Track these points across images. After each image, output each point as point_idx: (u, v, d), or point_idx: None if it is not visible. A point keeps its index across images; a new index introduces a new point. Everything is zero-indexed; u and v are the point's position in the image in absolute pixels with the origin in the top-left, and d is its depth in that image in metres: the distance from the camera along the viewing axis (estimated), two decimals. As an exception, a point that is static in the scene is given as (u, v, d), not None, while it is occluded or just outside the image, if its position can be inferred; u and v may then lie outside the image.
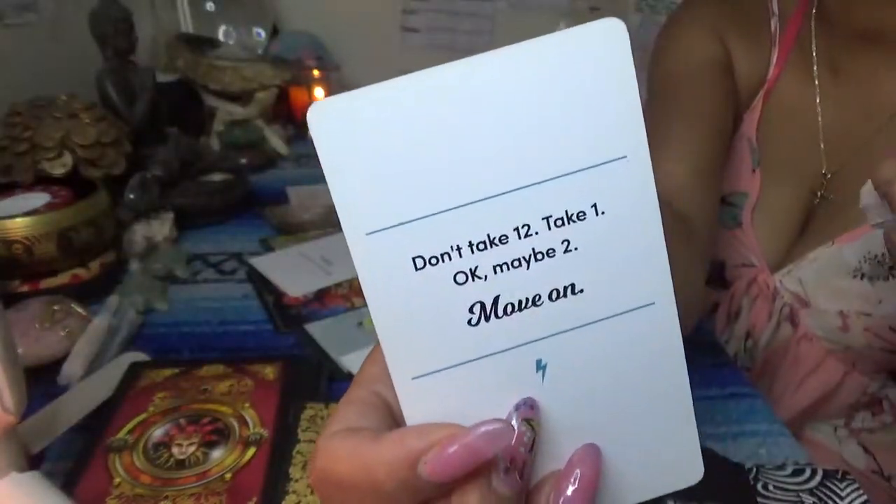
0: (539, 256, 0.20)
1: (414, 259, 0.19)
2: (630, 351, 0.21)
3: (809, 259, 0.59)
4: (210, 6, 1.37)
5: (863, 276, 0.57)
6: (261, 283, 0.72)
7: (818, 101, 0.61)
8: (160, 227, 0.78)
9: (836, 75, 0.60)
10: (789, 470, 0.47)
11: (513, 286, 0.20)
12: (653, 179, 0.20)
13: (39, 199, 0.68)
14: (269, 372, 0.54)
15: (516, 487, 0.19)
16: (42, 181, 0.72)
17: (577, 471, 0.20)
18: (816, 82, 0.61)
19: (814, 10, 0.60)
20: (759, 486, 0.46)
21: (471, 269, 0.20)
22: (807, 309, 0.60)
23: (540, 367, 0.20)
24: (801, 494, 0.45)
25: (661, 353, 0.21)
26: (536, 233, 0.19)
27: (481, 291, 0.20)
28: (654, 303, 0.20)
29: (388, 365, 0.20)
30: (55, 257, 0.65)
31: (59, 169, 0.72)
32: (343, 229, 0.19)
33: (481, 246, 0.19)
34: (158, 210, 0.79)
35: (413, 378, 0.20)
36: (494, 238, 0.19)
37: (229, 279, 0.74)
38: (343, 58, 1.42)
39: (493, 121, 0.19)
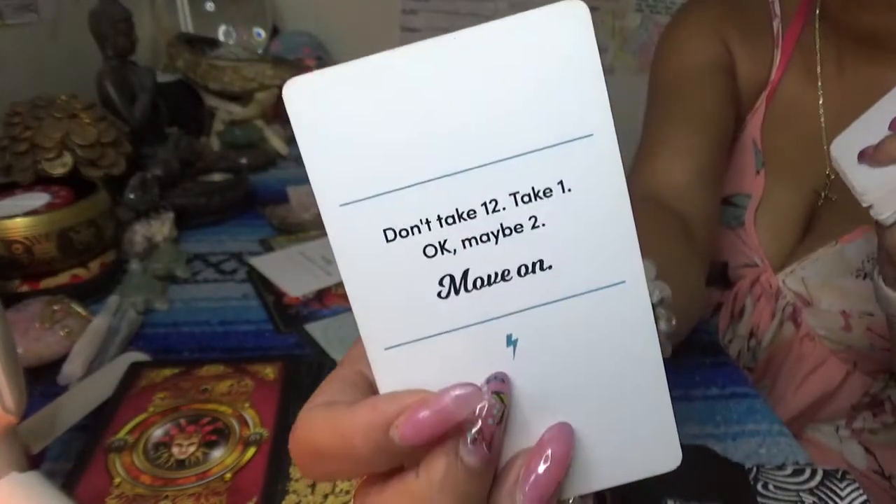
0: (507, 232, 0.20)
1: (385, 231, 0.20)
2: (601, 329, 0.21)
3: (812, 259, 0.59)
4: (210, 6, 1.37)
5: (865, 275, 0.57)
6: (261, 283, 0.72)
7: (821, 101, 0.61)
8: (160, 227, 0.78)
9: (840, 76, 0.60)
10: (789, 470, 0.47)
11: (482, 260, 0.20)
12: (619, 158, 0.20)
13: (39, 199, 0.68)
14: (269, 372, 0.54)
15: (484, 458, 0.19)
16: (42, 181, 0.72)
17: (549, 450, 0.20)
18: (820, 83, 0.61)
19: (817, 12, 0.60)
20: (759, 486, 0.46)
21: (440, 243, 0.20)
22: (809, 308, 0.60)
23: (510, 342, 0.21)
24: (801, 494, 0.45)
25: (633, 332, 0.21)
26: (504, 208, 0.20)
27: (451, 265, 0.20)
28: (624, 281, 0.20)
29: (361, 335, 0.21)
30: (55, 257, 0.65)
31: (59, 169, 0.72)
32: (317, 201, 0.20)
33: (450, 220, 0.20)
34: (158, 210, 0.79)
35: (385, 348, 0.21)
36: (462, 212, 0.20)
37: (229, 279, 0.74)
38: (343, 58, 1.40)
39: (460, 98, 0.20)
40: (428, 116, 0.20)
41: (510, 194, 0.20)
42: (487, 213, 0.20)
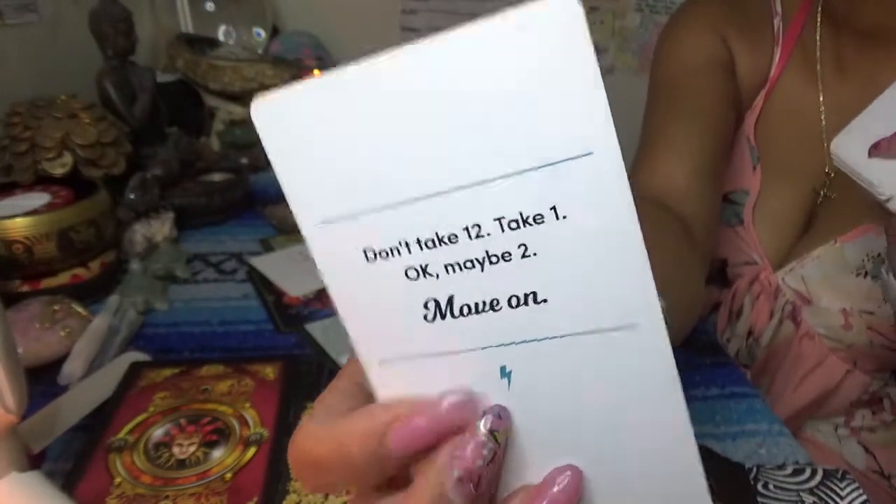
0: (493, 259, 0.18)
1: (364, 251, 0.19)
2: (610, 374, 0.19)
3: (812, 257, 0.59)
4: (210, 6, 1.37)
5: (866, 274, 0.57)
6: (261, 283, 0.72)
7: (821, 99, 0.60)
8: (160, 227, 0.78)
9: (841, 74, 0.60)
10: (789, 470, 0.47)
11: (467, 287, 0.19)
12: (625, 179, 0.17)
13: (39, 199, 0.68)
14: (269, 372, 0.54)
15: (469, 497, 0.19)
16: (42, 181, 0.72)
17: (553, 490, 0.20)
18: (820, 81, 0.61)
19: (819, 9, 0.60)
20: (759, 486, 0.46)
21: (421, 266, 0.19)
22: (809, 307, 0.60)
23: (504, 373, 0.20)
24: (801, 494, 0.45)
25: (650, 381, 0.19)
26: (489, 234, 0.18)
27: (434, 289, 0.19)
28: (636, 324, 0.18)
29: (354, 348, 0.20)
30: (55, 257, 0.65)
31: (59, 169, 0.72)
32: (296, 219, 0.19)
33: (430, 244, 0.19)
34: (158, 210, 0.79)
35: (380, 362, 0.20)
36: (443, 237, 0.18)
37: (229, 279, 0.74)
38: (343, 58, 1.41)
39: (440, 112, 0.17)
40: (404, 132, 0.18)
41: (494, 219, 0.18)
42: (470, 238, 0.18)
